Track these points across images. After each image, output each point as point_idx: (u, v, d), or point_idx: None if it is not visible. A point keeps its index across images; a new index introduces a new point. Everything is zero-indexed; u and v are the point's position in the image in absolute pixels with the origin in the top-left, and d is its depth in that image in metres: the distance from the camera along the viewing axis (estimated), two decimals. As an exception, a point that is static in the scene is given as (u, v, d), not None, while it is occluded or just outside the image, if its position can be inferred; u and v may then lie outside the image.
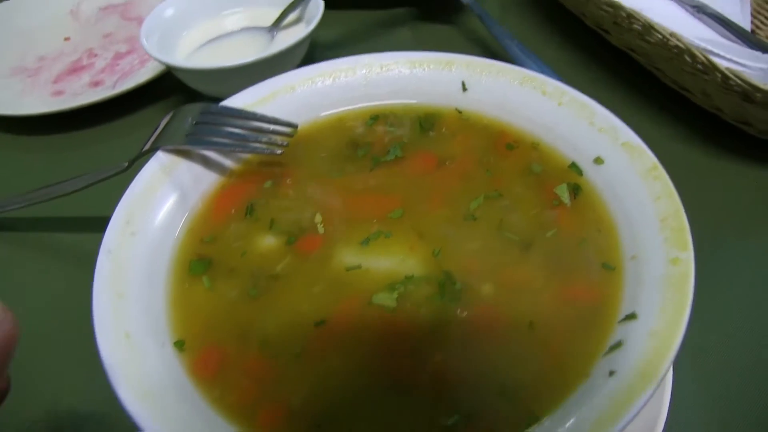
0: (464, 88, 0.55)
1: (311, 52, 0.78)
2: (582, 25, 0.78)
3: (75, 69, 0.83)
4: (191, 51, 0.73)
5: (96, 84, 0.79)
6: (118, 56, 0.84)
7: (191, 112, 0.53)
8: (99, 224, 0.60)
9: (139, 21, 0.91)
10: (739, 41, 0.74)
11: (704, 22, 0.78)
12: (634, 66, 0.72)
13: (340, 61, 0.57)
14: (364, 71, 0.57)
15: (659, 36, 0.65)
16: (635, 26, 0.68)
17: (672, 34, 0.64)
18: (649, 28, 0.66)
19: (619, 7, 0.68)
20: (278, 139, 0.52)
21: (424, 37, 0.84)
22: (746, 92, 0.60)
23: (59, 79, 0.82)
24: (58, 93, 0.79)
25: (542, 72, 0.70)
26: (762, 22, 0.79)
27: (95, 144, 0.74)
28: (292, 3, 0.74)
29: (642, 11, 0.74)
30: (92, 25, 0.92)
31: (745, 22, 0.79)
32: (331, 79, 0.57)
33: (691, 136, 0.68)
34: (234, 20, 0.77)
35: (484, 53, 0.78)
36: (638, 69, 0.72)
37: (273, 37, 0.73)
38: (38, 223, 0.64)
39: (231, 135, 0.52)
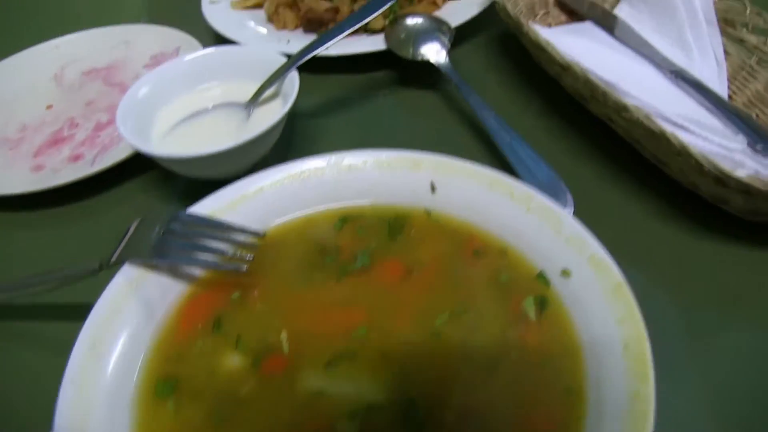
0: (433, 190, 0.55)
1: (291, 120, 0.78)
2: (562, 90, 0.77)
3: (56, 141, 0.84)
4: (168, 129, 0.73)
5: (76, 158, 0.79)
6: (99, 127, 0.84)
7: (159, 220, 0.54)
8: (69, 313, 0.60)
9: (122, 87, 0.91)
10: (716, 110, 0.74)
11: (683, 89, 0.77)
12: (614, 136, 0.71)
13: (309, 161, 0.57)
14: (332, 172, 0.57)
15: (634, 117, 0.64)
16: (610, 103, 0.67)
17: (646, 117, 0.64)
18: (623, 107, 0.65)
19: (594, 85, 0.68)
20: (244, 252, 0.52)
21: (405, 102, 0.84)
22: (720, 178, 0.60)
23: (40, 152, 0.82)
24: (38, 168, 0.79)
25: (518, 145, 0.70)
26: (738, 87, 0.79)
27: (74, 222, 0.74)
28: (268, 80, 0.73)
29: (619, 82, 0.75)
30: (75, 91, 0.92)
31: (722, 88, 0.78)
32: (299, 180, 0.56)
33: (668, 212, 0.67)
34: (211, 95, 0.77)
35: (463, 120, 0.78)
36: (617, 139, 0.71)
37: (250, 114, 0.73)
38: (5, 310, 0.64)
39: (198, 247, 0.51)
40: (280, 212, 0.56)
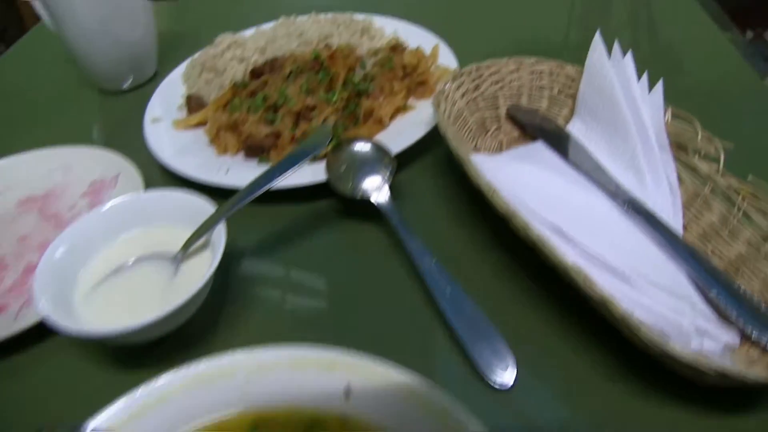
0: (348, 394, 0.51)
1: (226, 261, 0.74)
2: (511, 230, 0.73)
3: (-19, 287, 0.80)
4: (90, 288, 0.70)
5: (0, 309, 0.76)
6: (29, 269, 0.81)
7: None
8: None
9: (57, 219, 0.88)
10: (670, 249, 0.70)
11: (636, 221, 0.74)
12: (563, 285, 0.67)
13: (216, 362, 0.53)
14: (243, 373, 0.53)
15: (574, 278, 0.61)
16: (552, 259, 0.64)
17: (586, 280, 0.60)
18: (564, 269, 0.61)
19: (536, 238, 0.64)
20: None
21: (347, 237, 0.80)
22: (663, 354, 0.56)
23: (-36, 301, 0.78)
24: (-39, 321, 0.75)
25: (458, 296, 0.66)
26: (694, 217, 0.75)
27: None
28: (195, 234, 0.70)
29: (566, 225, 0.71)
30: (8, 224, 0.89)
31: (676, 219, 0.75)
32: (207, 384, 0.53)
33: (617, 371, 0.64)
34: (135, 246, 0.73)
35: (404, 262, 0.74)
36: (566, 288, 0.67)
37: (177, 267, 0.70)
38: None
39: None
40: (188, 418, 0.52)
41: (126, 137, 0.98)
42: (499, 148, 0.88)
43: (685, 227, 0.75)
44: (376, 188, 0.77)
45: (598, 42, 0.85)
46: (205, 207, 0.73)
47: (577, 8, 1.34)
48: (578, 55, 0.88)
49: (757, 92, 0.99)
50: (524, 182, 0.75)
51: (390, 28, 1.09)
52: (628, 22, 1.29)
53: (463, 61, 1.00)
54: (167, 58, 1.18)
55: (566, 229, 0.69)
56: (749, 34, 3.01)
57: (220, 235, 0.70)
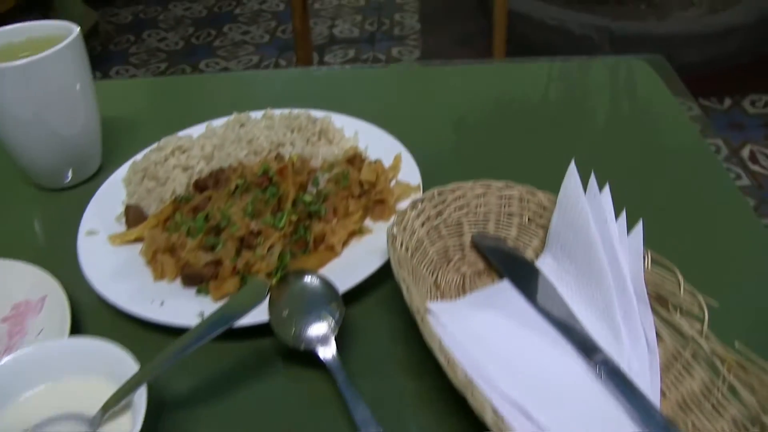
0: None
1: (157, 408, 0.66)
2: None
3: None
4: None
5: None
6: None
7: None
8: None
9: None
10: (644, 424, 0.63)
11: (607, 387, 0.66)
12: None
13: None
14: None
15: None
16: None
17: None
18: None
19: (495, 421, 0.56)
20: None
21: (290, 384, 0.72)
22: None
23: None
24: None
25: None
26: (673, 382, 0.68)
27: None
28: (115, 395, 0.62)
29: (529, 402, 0.63)
30: None
31: (654, 382, 0.68)
32: None
33: None
34: (42, 404, 0.64)
35: (349, 423, 0.66)
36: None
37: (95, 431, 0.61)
38: None
39: None
40: None
41: (61, 246, 0.89)
42: (462, 283, 0.80)
43: (662, 393, 0.67)
44: (322, 339, 0.69)
45: (572, 173, 0.78)
46: (125, 360, 0.65)
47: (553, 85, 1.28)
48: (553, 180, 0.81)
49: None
50: (485, 341, 0.68)
51: (350, 128, 1.01)
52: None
53: (427, 171, 0.92)
54: (115, 147, 1.09)
55: (529, 407, 0.61)
56: (727, 101, 3.00)
57: (141, 400, 0.61)
